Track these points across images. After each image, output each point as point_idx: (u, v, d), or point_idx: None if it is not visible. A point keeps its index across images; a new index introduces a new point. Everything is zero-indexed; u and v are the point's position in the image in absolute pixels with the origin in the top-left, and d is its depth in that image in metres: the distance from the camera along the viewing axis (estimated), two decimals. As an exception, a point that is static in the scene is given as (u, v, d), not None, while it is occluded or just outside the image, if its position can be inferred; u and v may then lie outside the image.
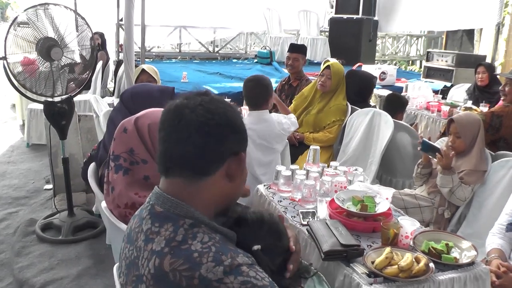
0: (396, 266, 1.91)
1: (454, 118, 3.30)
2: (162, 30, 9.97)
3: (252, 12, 10.52)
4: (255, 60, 10.40)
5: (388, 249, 1.98)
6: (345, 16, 10.42)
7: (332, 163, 2.99)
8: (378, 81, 7.35)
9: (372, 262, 1.95)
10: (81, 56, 3.76)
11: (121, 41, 8.35)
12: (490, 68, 6.16)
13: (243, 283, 1.12)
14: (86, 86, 3.96)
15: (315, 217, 2.42)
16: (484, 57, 8.40)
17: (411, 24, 10.94)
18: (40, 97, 3.72)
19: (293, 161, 4.12)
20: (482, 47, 12.15)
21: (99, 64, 6.80)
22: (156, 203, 1.28)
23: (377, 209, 2.37)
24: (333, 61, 4.70)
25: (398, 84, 7.83)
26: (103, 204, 2.06)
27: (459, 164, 3.27)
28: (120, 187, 1.94)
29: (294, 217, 2.43)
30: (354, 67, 7.18)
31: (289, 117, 3.67)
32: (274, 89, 4.59)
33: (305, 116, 4.58)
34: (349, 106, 4.57)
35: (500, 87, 4.03)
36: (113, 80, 7.60)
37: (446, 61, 8.26)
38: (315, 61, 10.02)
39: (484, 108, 5.24)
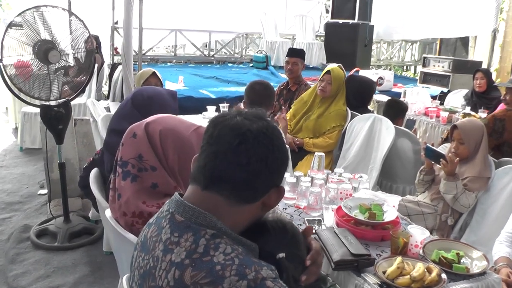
0: (408, 276, 1.87)
1: (457, 125, 3.27)
2: (157, 33, 9.90)
3: (248, 15, 10.50)
4: (251, 65, 10.36)
5: (399, 258, 1.94)
6: (340, 21, 10.40)
7: (337, 170, 2.95)
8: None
9: (384, 272, 1.91)
10: (76, 59, 3.70)
11: (116, 44, 8.34)
12: (488, 74, 6.19)
13: None
14: (82, 89, 3.90)
15: (321, 225, 2.37)
16: (480, 63, 8.43)
17: (408, 32, 10.97)
18: (36, 101, 3.66)
19: (293, 166, 4.09)
20: (477, 53, 12.21)
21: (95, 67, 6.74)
22: (177, 212, 1.23)
23: (385, 217, 2.33)
24: (333, 66, 4.67)
25: (395, 90, 7.82)
26: (108, 212, 1.99)
27: (463, 171, 3.23)
28: (127, 194, 1.87)
29: (300, 225, 2.38)
30: (352, 72, 7.16)
31: None
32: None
33: (304, 121, 4.54)
34: (349, 111, 4.53)
35: (501, 97, 4.04)
36: (107, 84, 7.54)
37: (443, 67, 8.28)
38: (311, 66, 9.99)
39: (482, 114, 5.24)
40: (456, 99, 6.76)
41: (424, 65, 8.84)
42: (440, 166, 3.20)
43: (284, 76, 6.15)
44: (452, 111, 5.58)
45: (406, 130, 4.33)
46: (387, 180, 4.34)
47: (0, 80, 3.63)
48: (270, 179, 1.25)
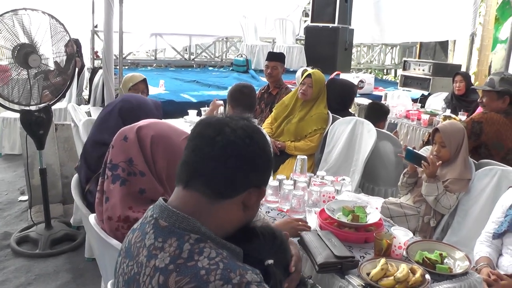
0: (392, 277, 1.88)
1: (439, 128, 3.31)
2: (138, 37, 9.84)
3: (228, 19, 10.49)
4: (231, 68, 10.36)
5: (383, 260, 1.95)
6: (320, 25, 10.45)
7: (319, 173, 2.96)
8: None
9: (368, 274, 1.92)
10: (56, 63, 3.66)
11: (96, 48, 8.27)
12: (467, 77, 6.27)
13: None
14: (62, 94, 3.86)
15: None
16: (460, 66, 8.54)
17: (387, 35, 11.05)
18: (15, 106, 3.62)
19: (275, 170, 4.09)
20: (456, 57, 12.38)
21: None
22: (161, 217, 1.23)
23: (368, 219, 2.35)
24: (312, 69, 4.70)
25: (376, 93, 7.88)
26: (91, 219, 1.96)
27: (444, 173, 3.28)
28: (115, 198, 1.86)
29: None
30: (332, 76, 7.20)
31: None
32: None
33: (286, 124, 4.54)
34: (330, 114, 4.56)
35: (478, 99, 4.10)
36: (88, 88, 7.46)
37: (423, 70, 8.36)
38: (291, 69, 10.01)
39: (462, 116, 5.30)
40: (437, 102, 6.85)
41: (404, 69, 8.92)
42: (421, 169, 3.24)
43: (264, 80, 6.16)
44: (433, 114, 5.64)
45: (388, 132, 4.37)
46: (369, 182, 4.37)
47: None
48: (248, 174, 1.24)
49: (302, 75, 5.12)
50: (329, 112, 4.57)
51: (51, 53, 3.59)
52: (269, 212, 2.58)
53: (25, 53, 3.41)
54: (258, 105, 5.02)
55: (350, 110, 5.16)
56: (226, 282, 1.08)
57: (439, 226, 3.28)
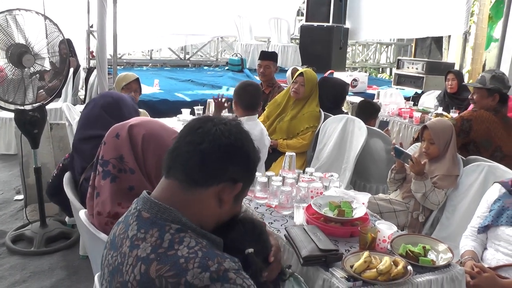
0: (375, 269, 1.93)
1: (427, 125, 3.37)
2: (133, 37, 9.86)
3: (223, 18, 10.52)
4: (226, 68, 10.42)
5: (366, 253, 2.00)
6: (315, 24, 10.52)
7: (308, 169, 3.00)
8: (349, 88, 7.43)
9: (351, 266, 1.96)
10: (51, 63, 3.70)
11: (92, 48, 8.30)
12: (459, 75, 6.33)
13: None
14: (57, 94, 3.89)
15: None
16: (453, 64, 8.60)
17: (380, 32, 11.10)
18: (11, 105, 3.65)
19: (267, 167, 4.14)
20: (450, 55, 12.44)
21: (70, 71, 6.70)
22: (143, 209, 1.28)
23: (354, 214, 2.39)
24: (304, 68, 4.75)
25: (369, 91, 7.94)
26: (82, 214, 2.01)
27: (433, 169, 3.33)
28: (106, 194, 1.91)
29: (272, 223, 2.43)
30: (326, 74, 7.25)
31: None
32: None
33: (278, 123, 4.60)
34: (322, 112, 4.61)
35: (469, 96, 4.15)
36: (84, 88, 7.50)
37: (417, 69, 8.43)
38: (286, 68, 10.02)
39: (454, 114, 5.36)
40: (430, 100, 6.91)
41: (398, 67, 8.99)
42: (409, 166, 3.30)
43: (259, 79, 6.21)
44: (424, 112, 5.69)
45: (379, 130, 4.42)
46: (361, 179, 4.43)
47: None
48: (223, 165, 1.29)
49: (292, 74, 5.18)
50: (321, 110, 4.62)
51: (46, 53, 3.62)
52: (257, 208, 2.63)
53: (19, 53, 3.43)
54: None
55: (343, 108, 5.21)
56: (204, 270, 1.13)
57: (428, 221, 3.34)
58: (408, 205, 3.35)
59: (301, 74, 4.55)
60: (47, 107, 3.85)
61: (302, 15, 11.82)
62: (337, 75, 7.58)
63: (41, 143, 3.91)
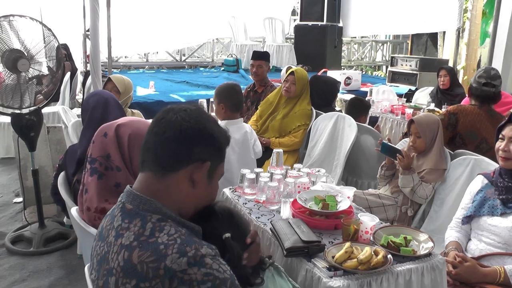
0: (356, 259, 2.00)
1: (414, 119, 3.43)
2: (129, 40, 9.91)
3: (218, 20, 10.57)
4: (222, 68, 10.49)
5: (347, 244, 2.07)
6: (309, 23, 10.57)
7: (296, 165, 3.08)
8: (343, 86, 7.52)
9: (333, 257, 2.03)
10: (49, 68, 3.77)
11: (88, 52, 8.34)
12: (451, 71, 6.39)
13: (206, 274, 1.20)
14: (54, 97, 3.96)
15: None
16: (447, 61, 8.67)
17: (374, 28, 11.13)
18: (7, 109, 3.72)
19: (260, 166, 4.19)
20: (445, 52, 12.49)
21: (67, 75, 6.78)
22: (127, 201, 1.38)
23: (339, 207, 2.46)
24: (296, 67, 4.82)
25: (363, 89, 8.01)
26: (74, 210, 2.10)
27: (420, 164, 3.39)
28: (93, 190, 2.01)
29: (259, 217, 2.50)
30: (319, 73, 7.32)
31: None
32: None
33: (270, 121, 4.68)
34: (314, 110, 4.69)
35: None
36: (82, 91, 7.56)
37: (410, 66, 8.50)
38: (281, 68, 10.12)
39: (446, 110, 5.42)
40: (423, 96, 6.97)
41: (392, 65, 9.06)
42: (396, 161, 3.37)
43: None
44: (417, 108, 5.76)
45: (369, 127, 4.49)
46: (352, 176, 4.50)
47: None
48: (187, 147, 1.37)
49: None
50: (313, 108, 4.70)
51: (44, 58, 3.69)
52: (246, 203, 2.70)
53: (14, 58, 3.50)
54: (245, 103, 5.14)
55: (336, 106, 5.28)
56: (182, 255, 1.21)
57: (416, 215, 3.40)
58: (397, 200, 3.40)
59: (292, 73, 4.62)
60: (45, 110, 3.91)
61: (297, 14, 11.88)
62: (331, 73, 7.65)
63: (38, 146, 3.98)
